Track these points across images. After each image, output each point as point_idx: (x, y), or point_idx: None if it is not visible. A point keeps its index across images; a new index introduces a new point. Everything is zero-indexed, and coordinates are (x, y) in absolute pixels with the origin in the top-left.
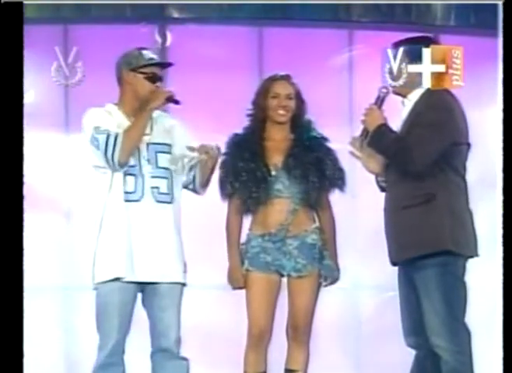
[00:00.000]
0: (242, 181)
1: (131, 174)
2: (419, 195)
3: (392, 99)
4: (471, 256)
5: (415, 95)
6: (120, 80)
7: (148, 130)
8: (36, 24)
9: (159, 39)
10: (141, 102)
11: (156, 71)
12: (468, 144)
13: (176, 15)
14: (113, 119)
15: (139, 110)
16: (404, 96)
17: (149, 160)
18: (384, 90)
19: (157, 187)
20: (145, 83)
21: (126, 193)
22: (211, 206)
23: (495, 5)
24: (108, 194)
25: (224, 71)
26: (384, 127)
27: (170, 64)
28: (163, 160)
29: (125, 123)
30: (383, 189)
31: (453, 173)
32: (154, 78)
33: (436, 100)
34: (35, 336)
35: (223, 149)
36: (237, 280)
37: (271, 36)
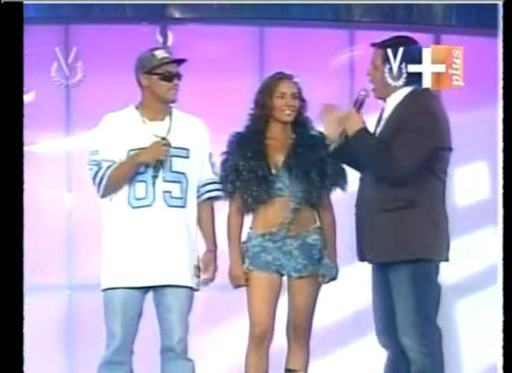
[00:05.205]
0: (243, 180)
1: (140, 181)
2: (397, 200)
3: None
4: (443, 261)
5: (398, 96)
6: (139, 84)
7: (164, 133)
8: (36, 24)
9: (160, 39)
10: (161, 103)
11: (171, 69)
12: (450, 149)
13: (177, 15)
14: (119, 135)
15: (131, 159)
16: (384, 100)
17: (162, 164)
18: (363, 93)
19: (169, 191)
20: (161, 83)
21: (137, 199)
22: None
23: (495, 5)
24: (111, 201)
25: (225, 71)
26: (363, 131)
27: (183, 61)
28: (179, 164)
29: (141, 128)
30: None
31: (433, 178)
32: (170, 77)
33: (420, 105)
34: (35, 336)
35: (225, 148)
36: (238, 279)
37: (272, 36)
